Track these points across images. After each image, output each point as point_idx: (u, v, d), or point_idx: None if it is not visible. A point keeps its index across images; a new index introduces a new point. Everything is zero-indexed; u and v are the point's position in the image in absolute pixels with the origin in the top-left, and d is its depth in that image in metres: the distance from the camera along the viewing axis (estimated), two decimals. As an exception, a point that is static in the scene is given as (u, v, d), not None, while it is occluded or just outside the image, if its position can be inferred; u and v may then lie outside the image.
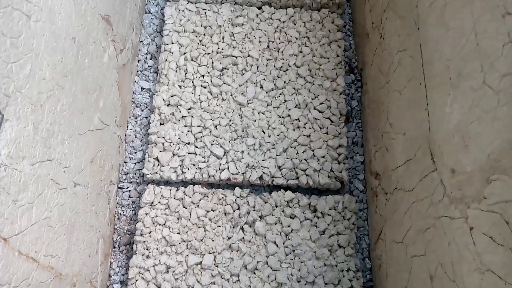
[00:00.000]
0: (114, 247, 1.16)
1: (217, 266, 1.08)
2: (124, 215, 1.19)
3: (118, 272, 1.13)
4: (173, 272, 1.07)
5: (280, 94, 1.26)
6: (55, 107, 0.81)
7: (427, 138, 0.85)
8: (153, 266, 1.07)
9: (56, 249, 0.83)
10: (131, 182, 1.22)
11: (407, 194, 0.93)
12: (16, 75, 0.68)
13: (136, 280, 1.07)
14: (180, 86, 1.26)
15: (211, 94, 1.25)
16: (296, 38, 1.32)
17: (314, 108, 1.25)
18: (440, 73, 0.80)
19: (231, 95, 1.25)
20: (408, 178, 0.93)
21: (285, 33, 1.33)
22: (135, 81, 1.32)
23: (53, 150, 0.81)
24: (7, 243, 0.67)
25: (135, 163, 1.24)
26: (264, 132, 1.22)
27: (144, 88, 1.32)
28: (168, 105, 1.24)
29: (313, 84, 1.27)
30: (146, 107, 1.30)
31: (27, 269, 0.73)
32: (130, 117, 1.28)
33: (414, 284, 0.88)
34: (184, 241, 1.10)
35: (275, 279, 1.07)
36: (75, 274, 0.92)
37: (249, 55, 1.29)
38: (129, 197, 1.20)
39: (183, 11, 1.34)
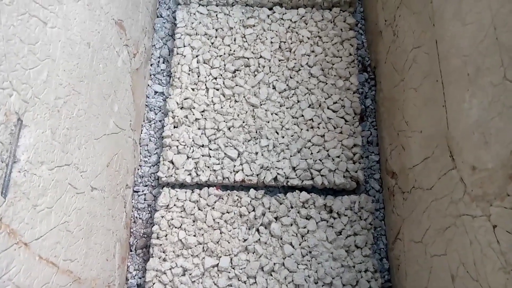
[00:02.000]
0: (131, 251, 1.16)
1: (233, 268, 1.08)
2: (140, 218, 1.19)
3: (135, 275, 1.14)
4: (190, 274, 1.07)
5: (293, 94, 1.26)
6: (72, 112, 0.82)
7: (445, 135, 0.83)
8: (170, 269, 1.08)
9: (75, 253, 0.84)
10: (146, 186, 1.22)
11: (426, 193, 0.92)
12: (34, 81, 0.69)
13: (154, 283, 1.07)
14: (193, 89, 1.26)
15: (224, 96, 1.25)
16: (308, 38, 1.32)
17: (328, 108, 1.24)
18: (458, 68, 0.79)
19: (243, 97, 1.25)
20: (426, 176, 0.92)
21: (296, 33, 1.32)
22: (149, 85, 1.33)
23: (70, 154, 0.81)
24: (28, 247, 0.67)
25: (150, 167, 1.25)
26: (277, 133, 1.21)
27: (157, 92, 1.33)
28: (181, 108, 1.24)
29: (326, 83, 1.26)
30: (160, 111, 1.31)
31: (47, 274, 0.73)
32: (144, 120, 1.29)
33: (435, 284, 0.86)
34: (200, 244, 1.10)
35: (292, 280, 1.06)
36: (93, 278, 0.92)
37: (261, 56, 1.29)
38: (145, 200, 1.21)
39: (194, 14, 1.34)
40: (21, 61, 0.65)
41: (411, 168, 1.00)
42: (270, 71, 1.28)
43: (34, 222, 0.69)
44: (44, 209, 0.72)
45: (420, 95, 0.97)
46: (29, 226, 0.68)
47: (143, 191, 1.21)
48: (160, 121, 1.29)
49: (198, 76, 1.27)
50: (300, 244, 1.10)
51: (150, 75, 1.35)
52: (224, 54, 1.30)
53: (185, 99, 1.24)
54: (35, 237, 0.70)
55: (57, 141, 0.76)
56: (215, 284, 1.06)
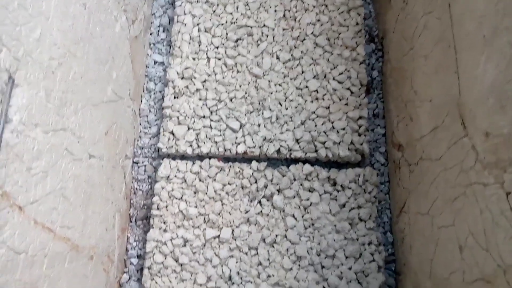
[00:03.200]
0: (131, 222, 1.15)
1: (235, 240, 1.06)
2: (140, 189, 1.17)
3: (136, 246, 1.12)
4: (191, 245, 1.06)
5: (297, 65, 1.21)
6: (67, 75, 0.79)
7: (457, 103, 0.80)
8: (171, 239, 1.06)
9: (72, 220, 0.82)
10: (146, 157, 1.20)
11: (434, 164, 0.89)
12: (26, 39, 0.66)
13: (154, 254, 1.06)
14: (194, 59, 1.22)
15: (226, 66, 1.21)
16: (314, 6, 1.26)
17: (333, 79, 1.20)
18: (472, 32, 0.75)
19: (246, 67, 1.21)
20: (435, 146, 0.89)
21: (301, 1, 1.27)
22: (148, 55, 1.29)
23: (66, 119, 0.79)
24: (22, 211, 0.65)
25: (150, 138, 1.22)
26: (281, 105, 1.18)
27: (157, 62, 1.29)
28: (182, 78, 1.20)
29: (332, 53, 1.22)
30: (160, 81, 1.27)
31: (43, 239, 0.71)
32: (143, 91, 1.26)
33: (441, 255, 0.84)
34: (201, 215, 1.08)
35: (294, 252, 1.05)
36: (92, 247, 0.91)
37: (264, 25, 1.24)
38: (145, 171, 1.18)
39: (195, -20, 1.29)
40: (11, 15, 0.62)
41: (419, 139, 0.97)
42: (274, 41, 1.23)
43: (29, 186, 0.67)
44: (39, 173, 0.70)
45: (431, 62, 0.93)
46: (23, 189, 0.65)
47: (143, 162, 1.19)
48: (160, 91, 1.26)
49: (199, 45, 1.23)
50: (302, 217, 1.08)
51: (150, 45, 1.31)
52: (226, 22, 1.25)
53: (185, 69, 1.20)
54: (30, 201, 0.67)
55: (52, 104, 0.73)
56: (216, 255, 1.05)
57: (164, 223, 1.08)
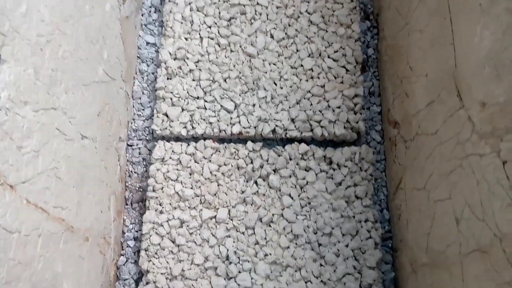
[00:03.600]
0: (127, 205, 1.14)
1: (231, 220, 1.06)
2: (135, 172, 1.16)
3: (132, 229, 1.12)
4: (187, 226, 1.05)
5: (291, 43, 1.20)
6: (57, 52, 0.77)
7: (453, 75, 0.79)
8: (167, 221, 1.06)
9: (66, 201, 0.81)
10: (140, 140, 1.19)
11: (430, 138, 0.88)
12: (11, 13, 0.64)
13: (150, 235, 1.05)
14: (186, 39, 1.20)
15: (219, 46, 1.19)
16: (307, -16, 1.24)
17: (328, 57, 1.18)
18: (468, 1, 0.74)
19: (240, 46, 1.19)
20: (431, 121, 0.88)
21: (295, -22, 1.25)
22: (140, 36, 1.27)
23: (56, 98, 0.77)
24: (13, 190, 0.64)
25: (143, 120, 1.20)
26: (275, 84, 1.16)
27: (149, 43, 1.27)
28: (174, 58, 1.18)
29: (327, 31, 1.20)
30: (152, 62, 1.25)
31: (37, 219, 0.70)
32: (136, 73, 1.24)
33: (438, 229, 0.84)
34: (197, 196, 1.08)
35: (291, 231, 1.05)
36: (87, 229, 0.90)
37: (257, 3, 1.22)
38: (139, 154, 1.17)
39: (186, -42, 1.26)
40: (-6, -13, 0.60)
41: (415, 115, 0.96)
42: (268, 19, 1.21)
43: (20, 165, 0.66)
44: (30, 152, 0.69)
45: (426, 36, 0.92)
46: (14, 168, 0.64)
47: (137, 145, 1.18)
48: (152, 73, 1.24)
49: (192, 25, 1.21)
50: (299, 196, 1.08)
51: (141, 25, 1.28)
52: (219, 1, 1.23)
53: (178, 49, 1.18)
54: (22, 180, 0.66)
55: (42, 82, 0.72)
56: (213, 235, 1.05)
57: (160, 204, 1.07)
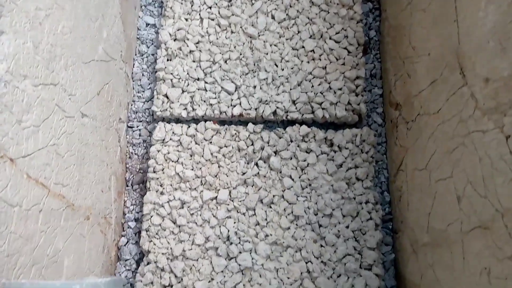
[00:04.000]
0: (127, 186, 1.14)
1: (232, 201, 1.06)
2: (135, 154, 1.16)
3: (133, 210, 1.12)
4: (188, 207, 1.05)
5: (293, 24, 1.19)
6: (56, 28, 0.76)
7: (456, 52, 0.78)
8: (168, 202, 1.06)
9: (67, 178, 0.81)
10: (141, 121, 1.18)
11: (432, 118, 0.88)
12: (9, -16, 0.63)
13: (151, 216, 1.05)
14: (186, 19, 1.19)
15: (220, 27, 1.18)
16: (309, -36, 1.23)
17: (330, 38, 1.17)
18: (473, -24, 0.73)
19: (240, 27, 1.18)
20: (433, 100, 0.87)
21: (297, -41, 1.23)
22: (139, 17, 1.25)
23: (56, 74, 0.76)
24: (14, 164, 0.64)
25: (144, 102, 1.20)
26: (277, 65, 1.16)
27: (149, 24, 1.25)
28: (174, 39, 1.17)
29: (328, 12, 1.19)
30: (152, 44, 1.24)
31: (37, 194, 0.70)
32: (136, 54, 1.23)
33: (439, 208, 0.84)
34: (198, 177, 1.08)
35: (292, 212, 1.05)
36: (88, 207, 0.90)
37: (259, -16, 1.21)
38: (140, 136, 1.17)
39: None
40: (-8, -44, 0.59)
41: (417, 95, 0.96)
42: None
43: (20, 139, 0.65)
44: (30, 126, 0.68)
45: (429, 15, 0.91)
46: (14, 142, 0.64)
47: (137, 126, 1.17)
48: (152, 54, 1.23)
49: (192, 5, 1.19)
50: (299, 177, 1.08)
51: (141, 6, 1.27)
52: (220, -19, 1.21)
53: (178, 30, 1.17)
54: (22, 155, 0.66)
55: (41, 56, 0.71)
56: (214, 216, 1.05)
57: (161, 185, 1.07)
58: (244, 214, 1.05)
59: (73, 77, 0.82)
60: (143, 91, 1.20)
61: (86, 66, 0.89)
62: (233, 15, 1.18)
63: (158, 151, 1.09)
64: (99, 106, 0.96)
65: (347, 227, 1.04)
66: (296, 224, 1.04)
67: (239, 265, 1.01)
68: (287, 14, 1.19)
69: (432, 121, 0.88)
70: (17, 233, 0.65)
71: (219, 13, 1.19)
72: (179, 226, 1.04)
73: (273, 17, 1.19)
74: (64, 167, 0.79)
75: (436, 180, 0.85)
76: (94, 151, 0.93)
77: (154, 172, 1.08)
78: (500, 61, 0.64)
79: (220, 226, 1.04)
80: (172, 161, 1.09)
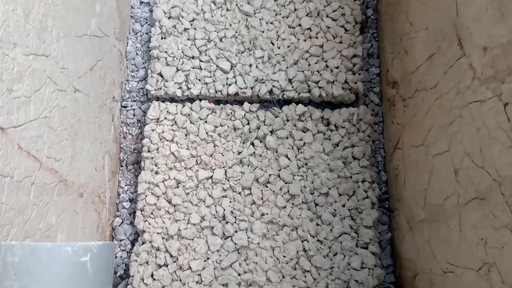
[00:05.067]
0: (122, 166, 1.13)
1: (228, 180, 1.05)
2: (130, 133, 1.14)
3: (127, 190, 1.11)
4: (184, 186, 1.04)
5: (289, 2, 1.17)
6: (46, -3, 0.74)
7: (454, 24, 0.77)
8: (163, 181, 1.05)
9: (59, 153, 0.79)
10: (135, 101, 1.16)
11: (429, 93, 0.87)
12: None
13: (146, 196, 1.04)
14: (181, -3, 1.17)
15: (215, 4, 1.16)
16: None
17: (327, 16, 1.16)
18: None
19: (236, 5, 1.16)
20: (431, 75, 0.87)
21: None
22: (133, -5, 1.23)
23: (48, 45, 0.75)
24: (5, 133, 0.62)
25: (138, 82, 1.18)
26: (273, 44, 1.14)
27: (143, 2, 1.23)
28: (169, 17, 1.15)
29: (325, -10, 1.17)
30: (146, 22, 1.22)
31: (29, 166, 0.69)
32: (129, 33, 1.21)
33: (436, 183, 0.84)
34: (194, 157, 1.07)
35: (288, 191, 1.04)
36: (81, 184, 0.89)
37: (254, -39, 1.19)
38: (134, 115, 1.15)
39: None
40: None
41: (414, 71, 0.95)
42: (265, -22, 1.18)
43: (10, 108, 0.64)
44: (21, 96, 0.67)
45: (427, -11, 0.89)
46: (4, 110, 0.62)
47: (131, 106, 1.16)
48: (146, 33, 1.21)
49: (187, -17, 1.17)
50: (296, 156, 1.07)
51: (135, -15, 1.25)
52: (215, -41, 1.19)
53: (172, 8, 1.15)
54: (13, 124, 0.65)
55: (31, 26, 0.69)
56: (209, 195, 1.04)
57: (156, 165, 1.06)
58: (240, 193, 1.04)
59: (65, 50, 0.81)
60: (137, 70, 1.19)
61: (79, 40, 0.87)
62: (228, -8, 1.17)
63: (153, 130, 1.08)
64: (92, 82, 0.94)
65: (343, 205, 1.04)
66: (292, 203, 1.04)
67: (235, 244, 1.00)
68: (283, -8, 1.17)
69: (429, 96, 0.87)
70: (8, 204, 0.63)
71: (214, -10, 1.17)
72: (174, 206, 1.03)
73: (269, -5, 1.17)
74: (56, 141, 0.78)
75: (433, 155, 0.85)
76: (87, 128, 0.92)
77: (149, 151, 1.07)
78: (499, 28, 0.63)
79: (215, 206, 1.03)
80: (167, 140, 1.07)
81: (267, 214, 1.03)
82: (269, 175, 1.06)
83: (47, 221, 0.75)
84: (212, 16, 1.15)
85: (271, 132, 1.09)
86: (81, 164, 0.88)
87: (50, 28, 0.75)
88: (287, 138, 1.09)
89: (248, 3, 1.16)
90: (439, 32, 0.84)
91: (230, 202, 1.04)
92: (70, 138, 0.83)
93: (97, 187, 0.97)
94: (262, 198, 1.04)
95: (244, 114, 1.10)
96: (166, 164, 1.06)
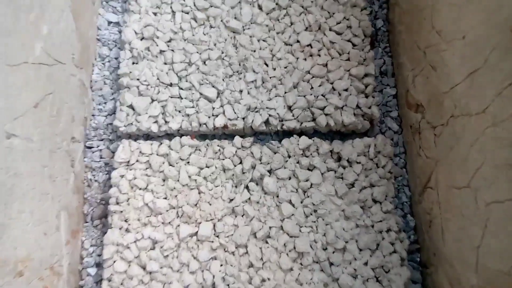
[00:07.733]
0: (86, 222, 0.91)
1: (217, 237, 0.83)
2: (96, 180, 0.93)
3: (93, 252, 0.89)
4: (161, 247, 0.82)
5: (284, 15, 0.98)
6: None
7: (509, 27, 0.57)
8: (135, 241, 0.83)
9: (-19, 224, 0.58)
10: (102, 140, 0.96)
11: (475, 119, 0.66)
12: None
13: (114, 261, 0.82)
14: (155, 13, 0.98)
15: (196, 21, 0.97)
16: None
17: (330, 30, 0.96)
18: None
19: (221, 21, 0.97)
20: (475, 96, 0.66)
21: None
22: (100, 14, 1.04)
23: (-44, 79, 0.54)
24: None
25: (105, 116, 0.98)
26: (267, 65, 0.94)
27: (111, 22, 1.04)
28: (141, 38, 0.96)
29: (326, -1, 0.99)
30: (115, 45, 1.02)
31: None
32: (95, 58, 1.01)
33: (494, 242, 0.62)
34: (173, 208, 0.85)
35: (294, 248, 0.82)
36: (20, 260, 0.67)
37: (241, -31, 1.00)
38: (101, 158, 0.94)
39: None
40: None
41: (448, 92, 0.75)
42: (254, -13, 0.99)
43: None
44: None
45: (460, -12, 0.70)
46: None
47: (98, 146, 0.95)
48: (116, 58, 1.01)
49: (161, -3, 0.99)
50: (302, 202, 0.86)
51: (102, 2, 1.06)
52: (194, -32, 1.00)
53: (145, 27, 0.96)
54: None
55: None
56: (194, 257, 0.82)
57: (126, 221, 0.84)
58: (233, 253, 0.82)
59: (-12, 84, 0.60)
60: (105, 103, 0.98)
61: (13, 70, 0.67)
62: (211, 6, 0.98)
63: (122, 176, 0.87)
64: (37, 122, 0.73)
65: (366, 264, 0.82)
66: (301, 264, 0.82)
67: (229, 321, 0.78)
68: (276, 3, 0.98)
69: (475, 124, 0.66)
70: None
71: (194, 4, 0.98)
72: (150, 273, 0.81)
73: (260, 7, 0.98)
74: (-27, 209, 0.56)
75: (487, 203, 0.64)
76: (30, 183, 0.70)
77: (117, 203, 0.85)
78: None
79: (202, 271, 0.81)
80: (140, 189, 0.86)
81: (269, 279, 0.80)
82: (270, 227, 0.84)
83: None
84: (193, 35, 0.96)
85: (270, 172, 0.88)
86: (18, 232, 0.66)
87: (-40, 55, 0.55)
88: (290, 178, 0.88)
89: (235, 18, 0.97)
90: (483, 41, 0.64)
91: (221, 265, 0.82)
92: (0, 202, 0.62)
93: (48, 257, 0.75)
94: (261, 259, 0.82)
95: (235, 151, 0.89)
96: (138, 219, 0.84)
